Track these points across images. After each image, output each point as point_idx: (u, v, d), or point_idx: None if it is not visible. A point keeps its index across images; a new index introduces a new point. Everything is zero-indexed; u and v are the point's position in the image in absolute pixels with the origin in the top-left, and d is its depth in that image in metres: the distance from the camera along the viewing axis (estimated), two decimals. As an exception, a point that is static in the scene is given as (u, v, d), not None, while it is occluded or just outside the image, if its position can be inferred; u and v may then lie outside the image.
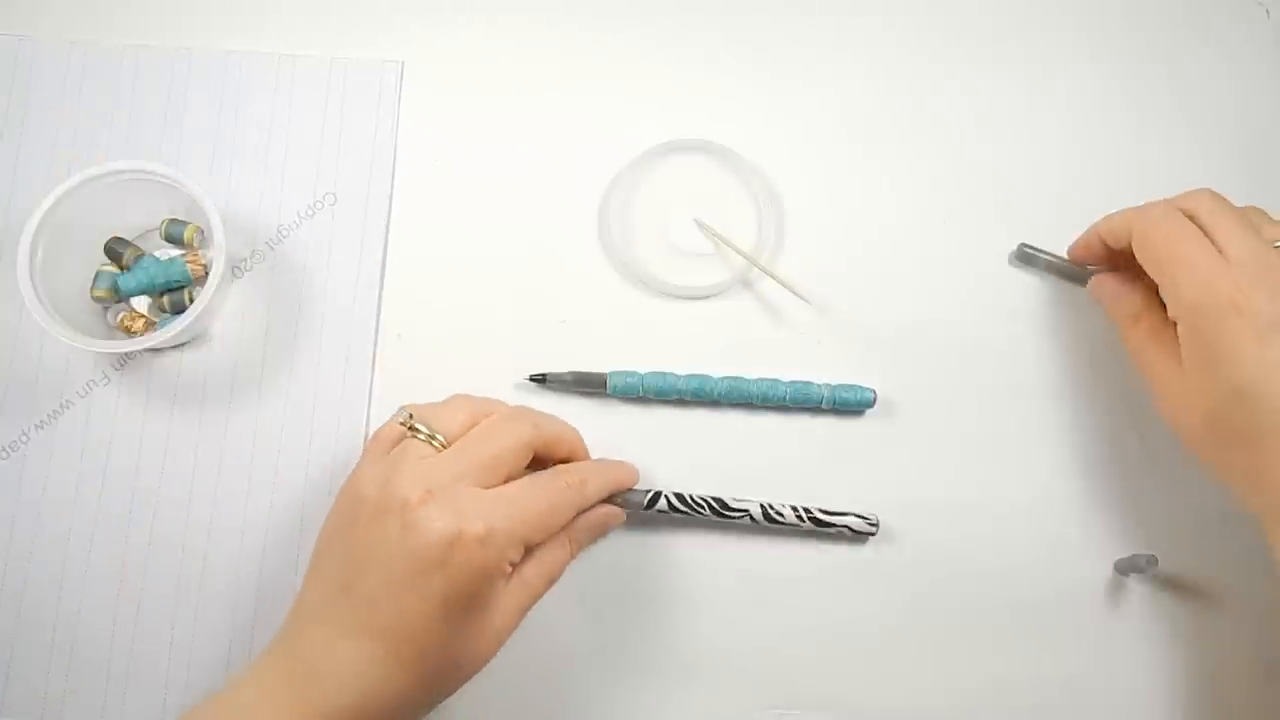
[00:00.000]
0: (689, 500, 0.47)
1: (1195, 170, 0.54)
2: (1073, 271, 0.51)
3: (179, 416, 0.49)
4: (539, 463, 0.43)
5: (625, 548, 0.49)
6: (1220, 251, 0.40)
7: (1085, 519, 0.50)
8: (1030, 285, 0.52)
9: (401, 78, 0.53)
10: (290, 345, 0.50)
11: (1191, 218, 0.42)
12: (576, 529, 0.43)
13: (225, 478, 0.49)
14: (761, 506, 0.47)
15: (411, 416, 0.40)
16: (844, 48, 0.55)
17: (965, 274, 0.52)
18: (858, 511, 0.48)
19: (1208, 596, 0.49)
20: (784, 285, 0.50)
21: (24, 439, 0.49)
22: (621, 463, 0.47)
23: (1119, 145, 0.54)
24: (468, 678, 0.40)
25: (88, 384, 0.49)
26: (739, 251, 0.51)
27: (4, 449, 0.49)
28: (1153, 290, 0.44)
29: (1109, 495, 0.50)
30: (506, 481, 0.39)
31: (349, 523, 0.39)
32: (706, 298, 0.52)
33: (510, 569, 0.38)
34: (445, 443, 0.40)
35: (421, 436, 0.39)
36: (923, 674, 0.48)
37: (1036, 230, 0.52)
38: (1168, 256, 0.42)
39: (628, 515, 0.47)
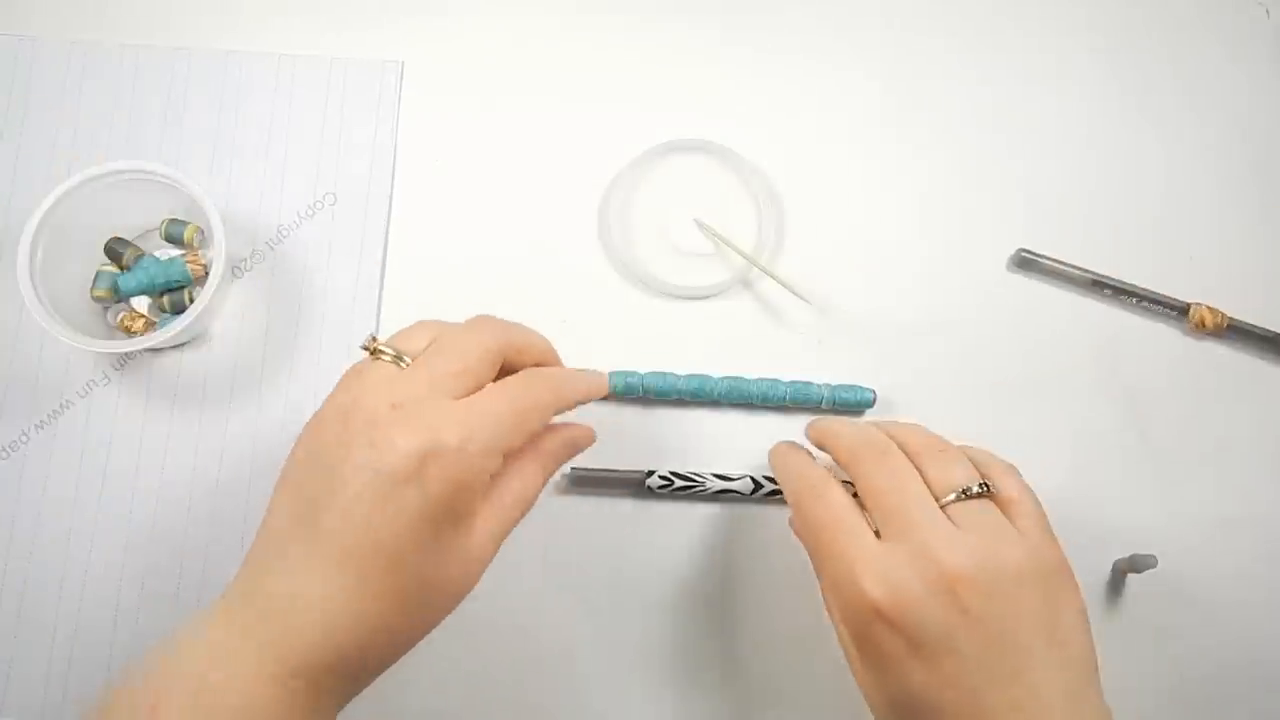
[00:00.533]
0: (686, 475, 0.48)
1: (1196, 171, 0.54)
2: (1072, 275, 0.51)
3: (179, 416, 0.49)
4: (508, 372, 0.40)
5: (626, 547, 0.49)
6: (876, 530, 0.37)
7: (1085, 519, 0.50)
8: (1029, 290, 0.52)
9: (401, 78, 0.53)
10: (290, 345, 0.50)
11: (848, 475, 0.40)
12: (547, 450, 0.40)
13: (225, 477, 0.49)
14: (752, 479, 0.48)
15: (374, 339, 0.38)
16: (844, 48, 0.55)
17: (964, 276, 0.52)
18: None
19: (1208, 596, 0.49)
20: (784, 285, 0.50)
21: (24, 439, 0.49)
22: (594, 371, 0.44)
23: (1119, 146, 0.54)
24: (449, 608, 0.37)
25: (88, 384, 0.49)
26: (739, 251, 0.51)
27: (4, 449, 0.49)
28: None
29: (1109, 495, 0.50)
30: (477, 391, 0.37)
31: (313, 451, 0.36)
32: (706, 298, 0.52)
33: (488, 480, 0.36)
34: (410, 362, 0.37)
35: (386, 358, 0.37)
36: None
37: (1036, 234, 0.53)
38: (816, 542, 0.38)
39: (626, 495, 0.47)
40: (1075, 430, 0.51)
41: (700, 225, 0.52)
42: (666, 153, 0.53)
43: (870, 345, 0.51)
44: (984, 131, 0.54)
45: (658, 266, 0.52)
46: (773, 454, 0.44)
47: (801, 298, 0.51)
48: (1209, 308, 0.51)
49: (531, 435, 0.38)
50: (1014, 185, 0.53)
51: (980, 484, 0.38)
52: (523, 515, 0.38)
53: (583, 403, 0.41)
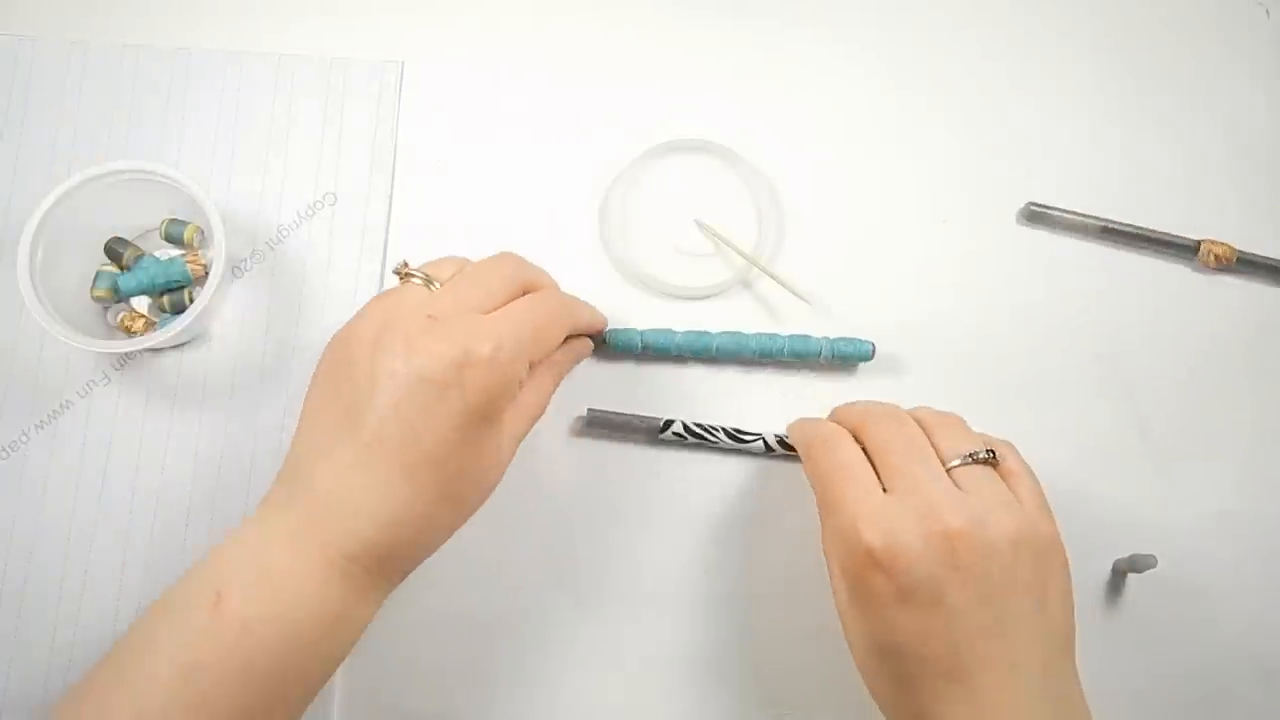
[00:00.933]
0: (703, 428, 0.48)
1: (1195, 170, 0.54)
2: (1082, 225, 0.52)
3: (179, 416, 0.49)
4: None
5: (625, 545, 0.49)
6: (883, 485, 0.39)
7: (1085, 518, 0.50)
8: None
9: (401, 78, 0.53)
10: (290, 345, 0.50)
11: (860, 440, 0.41)
12: (556, 359, 0.44)
13: (225, 478, 0.49)
14: (765, 442, 0.49)
15: (406, 264, 0.41)
16: (844, 47, 0.55)
17: (964, 276, 0.52)
18: None
19: (1208, 596, 0.49)
20: (784, 285, 0.50)
21: (24, 439, 0.49)
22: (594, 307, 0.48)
23: (1119, 146, 0.54)
24: (482, 500, 0.40)
25: (88, 384, 0.49)
26: (739, 251, 0.51)
27: (4, 449, 0.49)
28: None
29: (1109, 495, 0.50)
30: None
31: (346, 362, 0.38)
32: (706, 298, 0.52)
33: (518, 386, 0.39)
34: (440, 286, 0.40)
35: (418, 280, 0.40)
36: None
37: (1037, 237, 0.53)
38: (822, 488, 0.40)
39: (641, 443, 0.49)
40: (1076, 429, 0.51)
41: (700, 225, 0.52)
42: (666, 153, 0.53)
43: (873, 341, 0.51)
44: (983, 132, 0.54)
45: (658, 266, 0.52)
46: (791, 425, 0.47)
47: (801, 298, 0.51)
48: (1219, 242, 0.52)
49: (551, 347, 0.42)
50: (1011, 192, 0.54)
51: (987, 451, 0.40)
52: (538, 418, 0.42)
53: (587, 330, 0.47)
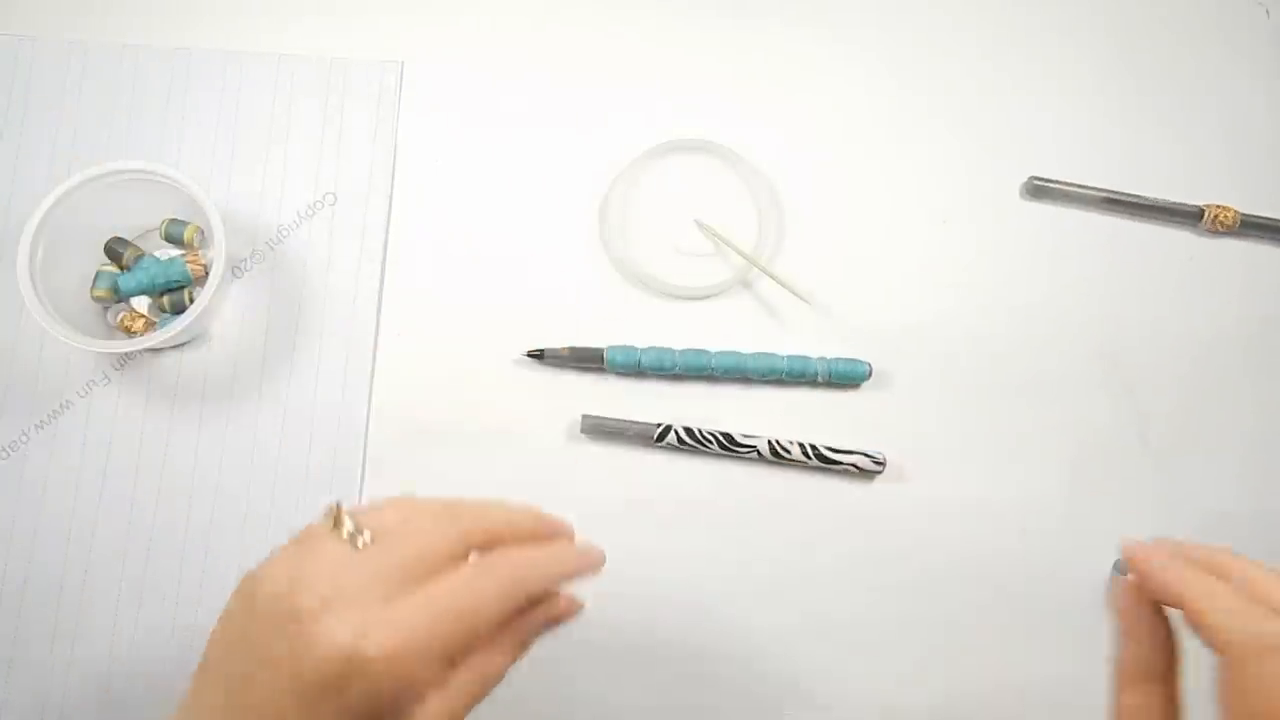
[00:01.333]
0: (698, 434, 0.48)
1: (1195, 169, 0.54)
2: (1085, 197, 0.52)
3: (179, 416, 0.49)
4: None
5: (624, 546, 0.49)
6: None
7: (1085, 518, 0.50)
8: (1037, 278, 0.52)
9: (401, 78, 0.53)
10: (290, 345, 0.50)
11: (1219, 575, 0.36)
12: (522, 627, 0.36)
13: (225, 478, 0.49)
14: (769, 443, 0.48)
15: (339, 507, 0.34)
16: (843, 46, 0.55)
17: (965, 271, 0.52)
18: (864, 450, 0.49)
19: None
20: (784, 285, 0.50)
21: (24, 439, 0.49)
22: (583, 551, 0.38)
23: (1118, 146, 0.54)
24: None
25: (88, 384, 0.49)
26: (739, 251, 0.51)
27: (4, 449, 0.49)
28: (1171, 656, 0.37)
29: (1109, 494, 0.50)
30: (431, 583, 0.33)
31: (240, 627, 0.33)
32: (706, 298, 0.52)
33: (426, 690, 0.32)
34: (369, 542, 0.33)
35: (345, 533, 0.33)
36: (921, 675, 0.48)
37: (1041, 212, 0.53)
38: (1193, 594, 0.35)
39: (642, 444, 0.47)
40: (1076, 429, 0.51)
41: (700, 225, 0.52)
42: (666, 153, 0.53)
43: (870, 345, 0.51)
44: (983, 131, 0.54)
45: (658, 266, 0.52)
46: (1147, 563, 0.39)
47: (801, 298, 0.51)
48: (1224, 206, 0.52)
49: (486, 630, 0.33)
50: (1011, 193, 0.54)
51: None
52: (486, 693, 0.34)
53: (577, 575, 0.37)
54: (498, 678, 0.35)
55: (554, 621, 0.37)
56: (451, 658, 0.32)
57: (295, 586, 0.32)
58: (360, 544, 0.33)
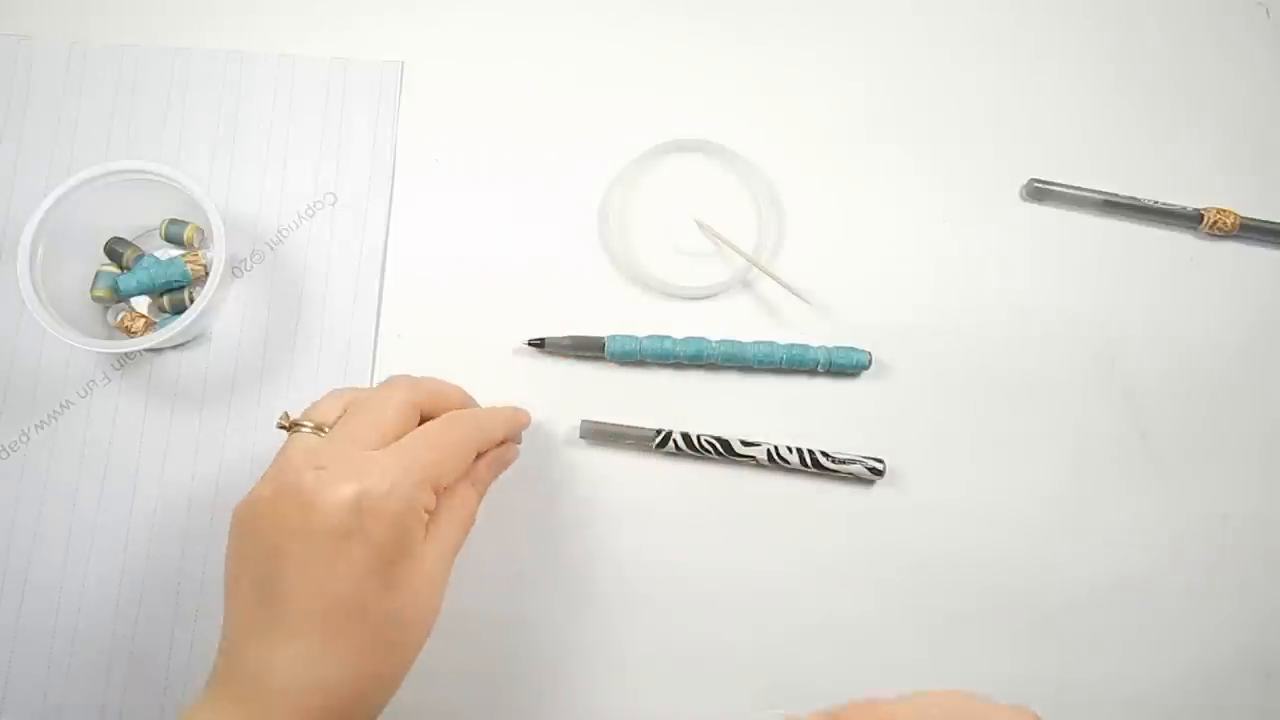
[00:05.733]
0: (697, 441, 0.48)
1: (1195, 169, 0.54)
2: (1085, 199, 0.52)
3: (179, 416, 0.49)
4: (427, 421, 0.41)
5: (624, 547, 0.49)
6: None
7: (1085, 518, 0.50)
8: (1036, 281, 0.52)
9: (401, 78, 0.53)
10: (290, 345, 0.50)
11: None
12: (477, 471, 0.42)
13: (225, 477, 0.49)
14: (768, 451, 0.48)
15: (288, 416, 0.39)
16: (843, 47, 0.55)
17: (965, 271, 0.52)
18: (863, 456, 0.49)
19: (1208, 596, 0.49)
20: (784, 285, 0.50)
21: (24, 439, 0.49)
22: (513, 407, 0.46)
23: (1119, 148, 0.54)
24: (422, 638, 0.38)
25: (88, 384, 0.49)
26: (739, 251, 0.51)
27: (4, 449, 0.49)
28: None
29: (1109, 495, 0.50)
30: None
31: (249, 530, 0.37)
32: (706, 298, 0.52)
33: (426, 515, 0.37)
34: (330, 429, 0.38)
35: (306, 429, 0.38)
36: (919, 675, 0.48)
37: (1041, 214, 0.53)
38: None
39: (644, 450, 0.48)
40: (1076, 430, 0.51)
41: (700, 225, 0.52)
42: (666, 153, 0.53)
43: (869, 345, 0.51)
44: (983, 131, 0.54)
45: (658, 266, 0.52)
46: None
47: (801, 298, 0.51)
48: (1224, 209, 0.52)
49: (459, 470, 0.39)
50: (1012, 194, 0.54)
51: None
52: (466, 534, 0.40)
53: (508, 437, 0.44)
54: (472, 516, 0.40)
55: (501, 464, 0.44)
56: (439, 487, 0.38)
57: (285, 473, 0.36)
58: (323, 434, 0.38)
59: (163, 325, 0.48)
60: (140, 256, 0.50)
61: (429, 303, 0.51)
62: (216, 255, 0.45)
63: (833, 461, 0.48)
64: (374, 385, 0.41)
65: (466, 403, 0.44)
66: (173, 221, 0.50)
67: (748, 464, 0.49)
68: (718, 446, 0.48)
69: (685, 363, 0.50)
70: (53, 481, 0.48)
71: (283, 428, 0.39)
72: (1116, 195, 0.53)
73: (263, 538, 0.36)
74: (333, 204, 0.52)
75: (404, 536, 0.36)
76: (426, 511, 0.37)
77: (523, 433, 0.48)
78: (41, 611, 0.47)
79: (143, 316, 0.49)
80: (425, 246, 0.52)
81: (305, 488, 0.35)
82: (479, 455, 0.42)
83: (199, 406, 0.49)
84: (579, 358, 0.50)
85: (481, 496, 0.42)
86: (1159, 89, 0.55)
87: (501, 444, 0.44)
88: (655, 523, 0.49)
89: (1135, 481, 0.50)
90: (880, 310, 0.52)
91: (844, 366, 0.50)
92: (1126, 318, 0.52)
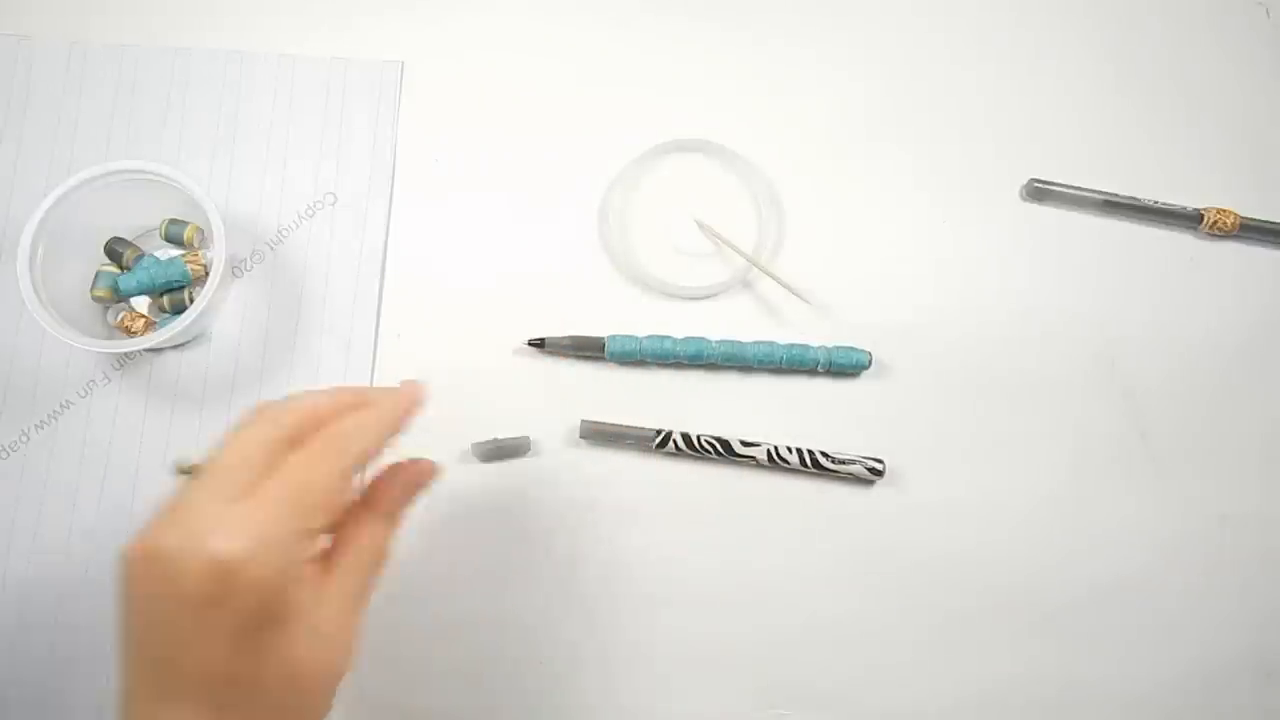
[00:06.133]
0: (697, 442, 0.48)
1: (1195, 169, 0.54)
2: (1085, 199, 0.52)
3: (179, 416, 0.49)
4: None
5: (624, 547, 0.49)
6: None
7: (1085, 518, 0.50)
8: (1036, 281, 0.52)
9: (401, 78, 0.53)
10: (290, 345, 0.50)
11: None
12: (387, 498, 0.37)
13: (225, 478, 0.49)
14: (768, 451, 0.48)
15: (177, 463, 0.36)
16: (843, 47, 0.55)
17: (965, 271, 0.52)
18: (863, 456, 0.49)
19: (1207, 596, 0.49)
20: (784, 285, 0.50)
21: (24, 439, 0.49)
22: (404, 393, 0.37)
23: (1118, 145, 0.54)
24: (327, 699, 0.35)
25: (88, 384, 0.49)
26: (739, 251, 0.51)
27: (4, 449, 0.49)
28: None
29: (1108, 495, 0.50)
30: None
31: (126, 582, 0.33)
32: (706, 298, 0.52)
33: (304, 569, 0.33)
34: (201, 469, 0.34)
35: (182, 474, 0.35)
36: (921, 675, 0.48)
37: (1041, 214, 0.53)
38: None
39: (644, 450, 0.47)
40: (1076, 430, 0.51)
41: (700, 225, 0.52)
42: (666, 153, 0.53)
43: (869, 345, 0.51)
44: (983, 131, 0.54)
45: (658, 266, 0.52)
46: None
47: (801, 298, 0.51)
48: (1224, 210, 0.52)
49: (337, 503, 0.35)
50: (1012, 193, 0.54)
51: None
52: (377, 572, 0.36)
53: (400, 429, 0.36)
54: (382, 551, 0.36)
55: (414, 486, 0.38)
56: (312, 535, 0.33)
57: (148, 532, 0.33)
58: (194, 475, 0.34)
59: (163, 325, 0.48)
60: (140, 256, 0.50)
61: (429, 303, 0.51)
62: (216, 255, 0.45)
63: (832, 462, 0.48)
64: (254, 412, 0.36)
65: (346, 406, 0.37)
66: (173, 221, 0.50)
67: (748, 464, 0.49)
68: (718, 447, 0.48)
69: (685, 363, 0.50)
70: (53, 481, 0.48)
71: (183, 472, 0.35)
72: (1116, 195, 0.53)
73: (135, 597, 0.33)
74: (333, 204, 0.52)
75: (274, 600, 0.32)
76: (312, 562, 0.34)
77: (522, 433, 0.48)
78: (41, 612, 0.47)
79: (143, 316, 0.49)
80: (425, 246, 0.52)
81: (162, 554, 0.32)
82: (394, 478, 0.38)
83: (199, 406, 0.49)
84: (579, 358, 0.50)
85: (396, 525, 0.37)
86: (1159, 89, 0.55)
87: (417, 461, 0.39)
88: (655, 523, 0.49)
89: (1135, 481, 0.50)
90: (880, 310, 0.52)
91: (844, 366, 0.50)
92: (1126, 318, 0.52)
